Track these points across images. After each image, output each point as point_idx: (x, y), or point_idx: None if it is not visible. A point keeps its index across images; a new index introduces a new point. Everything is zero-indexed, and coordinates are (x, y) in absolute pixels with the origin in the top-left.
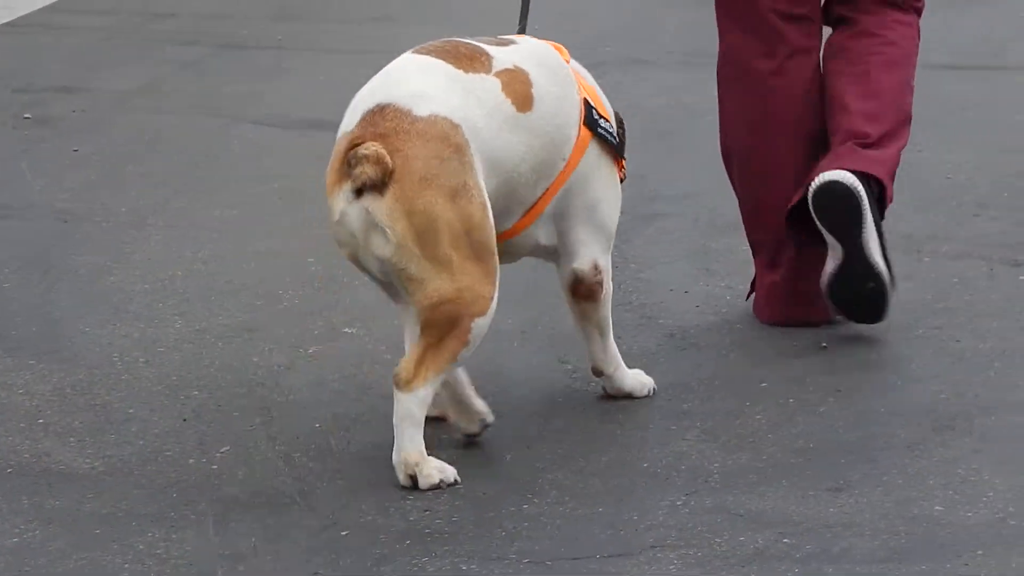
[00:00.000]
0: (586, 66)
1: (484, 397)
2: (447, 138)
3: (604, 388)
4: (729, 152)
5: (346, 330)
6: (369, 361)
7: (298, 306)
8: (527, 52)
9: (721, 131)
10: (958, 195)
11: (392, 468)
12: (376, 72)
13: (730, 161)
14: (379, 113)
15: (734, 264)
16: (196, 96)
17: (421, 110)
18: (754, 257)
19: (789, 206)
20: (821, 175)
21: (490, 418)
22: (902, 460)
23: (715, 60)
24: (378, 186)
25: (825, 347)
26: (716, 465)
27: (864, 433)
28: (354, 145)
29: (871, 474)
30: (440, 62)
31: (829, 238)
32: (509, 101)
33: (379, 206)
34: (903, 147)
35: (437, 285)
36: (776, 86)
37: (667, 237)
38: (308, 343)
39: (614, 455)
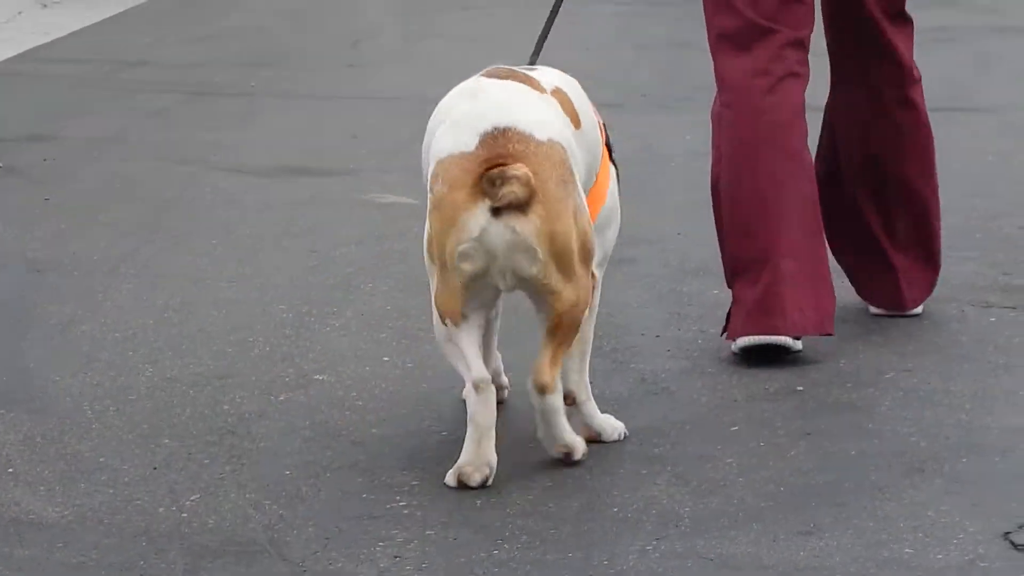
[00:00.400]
0: None
1: (450, 443)
2: (564, 162)
3: (576, 426)
4: (718, 177)
5: (316, 377)
6: (339, 407)
7: (268, 353)
8: (555, 76)
9: (713, 157)
10: None
11: (361, 511)
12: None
13: (717, 187)
14: (502, 135)
15: (705, 308)
16: (167, 144)
17: (541, 135)
18: (735, 280)
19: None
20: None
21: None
22: (872, 503)
23: (685, 103)
24: (522, 206)
25: (800, 390)
26: (687, 509)
27: (834, 476)
28: (493, 165)
29: (841, 517)
30: (524, 86)
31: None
32: (568, 120)
33: (528, 228)
34: None
35: (568, 294)
36: (769, 104)
37: (638, 282)
38: (279, 390)
39: (584, 500)
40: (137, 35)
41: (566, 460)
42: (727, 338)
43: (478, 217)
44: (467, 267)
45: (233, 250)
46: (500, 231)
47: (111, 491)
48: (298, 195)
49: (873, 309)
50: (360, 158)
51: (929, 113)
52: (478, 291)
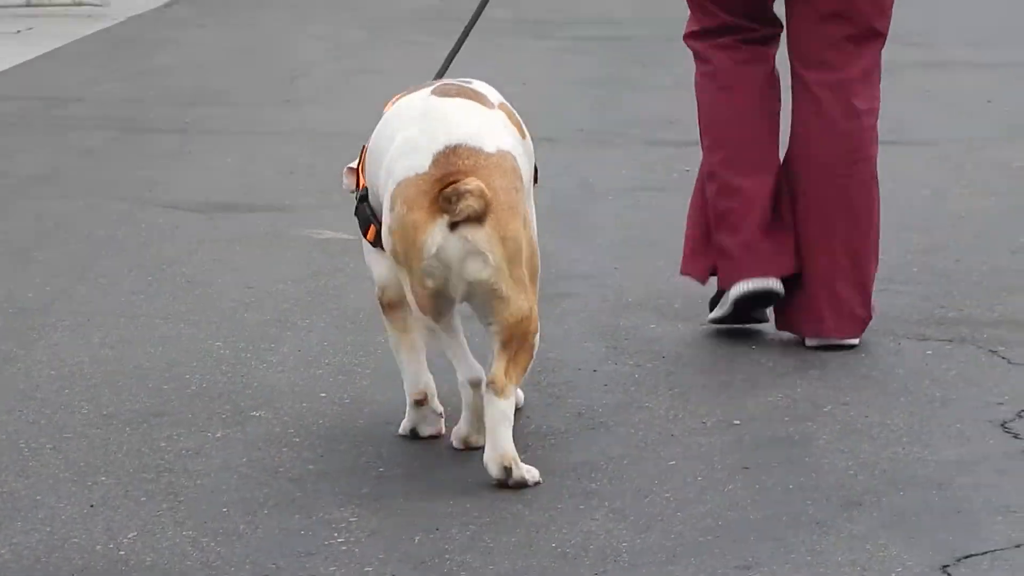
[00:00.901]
0: None
1: (388, 480)
2: (515, 170)
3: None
4: (704, 127)
5: (253, 413)
6: (277, 444)
7: (205, 390)
8: (490, 90)
9: (700, 123)
10: None
11: (299, 548)
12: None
13: (703, 139)
14: (453, 153)
15: (642, 343)
16: (101, 182)
17: (489, 147)
18: (717, 230)
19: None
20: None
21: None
22: (811, 537)
23: (621, 139)
24: (479, 217)
25: (737, 424)
26: (625, 544)
27: (772, 511)
28: (448, 184)
29: (779, 552)
30: (470, 102)
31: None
32: (515, 130)
33: (479, 235)
34: None
35: (519, 304)
36: (745, 74)
37: (574, 317)
38: (215, 427)
39: (522, 535)
40: (70, 72)
41: (502, 478)
42: (721, 285)
43: (435, 235)
44: (430, 283)
45: (168, 287)
46: (455, 243)
47: (48, 529)
48: (233, 231)
49: (809, 341)
50: (296, 194)
51: None
52: (444, 300)
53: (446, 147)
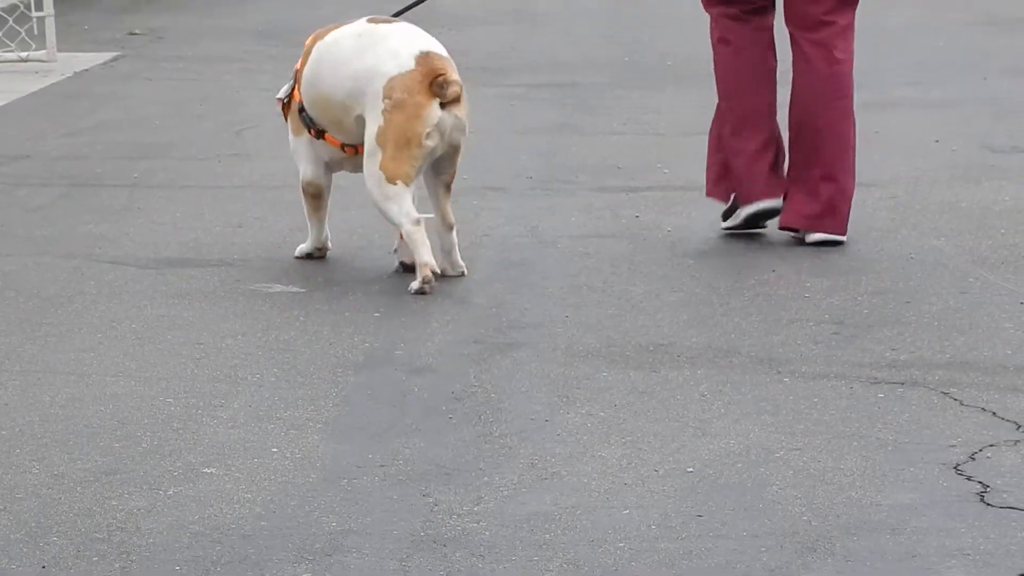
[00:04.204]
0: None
1: (340, 534)
2: (457, 69)
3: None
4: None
5: (205, 470)
6: (228, 501)
7: (157, 447)
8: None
9: (717, 82)
10: (815, 314)
11: None
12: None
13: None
14: (426, 56)
15: (593, 391)
16: (49, 238)
17: (444, 52)
18: (735, 159)
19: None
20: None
21: (464, 272)
22: None
23: (570, 186)
24: (458, 100)
25: (691, 471)
26: None
27: (727, 559)
28: (436, 75)
29: None
30: (409, 24)
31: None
32: None
33: (461, 112)
34: None
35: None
36: (749, 36)
37: (524, 367)
38: (167, 484)
39: None
40: (17, 129)
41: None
42: (740, 201)
43: (434, 111)
44: (430, 143)
45: (118, 344)
46: (447, 117)
47: None
48: (182, 287)
49: (810, 237)
50: (245, 248)
51: None
52: (426, 160)
53: (420, 52)
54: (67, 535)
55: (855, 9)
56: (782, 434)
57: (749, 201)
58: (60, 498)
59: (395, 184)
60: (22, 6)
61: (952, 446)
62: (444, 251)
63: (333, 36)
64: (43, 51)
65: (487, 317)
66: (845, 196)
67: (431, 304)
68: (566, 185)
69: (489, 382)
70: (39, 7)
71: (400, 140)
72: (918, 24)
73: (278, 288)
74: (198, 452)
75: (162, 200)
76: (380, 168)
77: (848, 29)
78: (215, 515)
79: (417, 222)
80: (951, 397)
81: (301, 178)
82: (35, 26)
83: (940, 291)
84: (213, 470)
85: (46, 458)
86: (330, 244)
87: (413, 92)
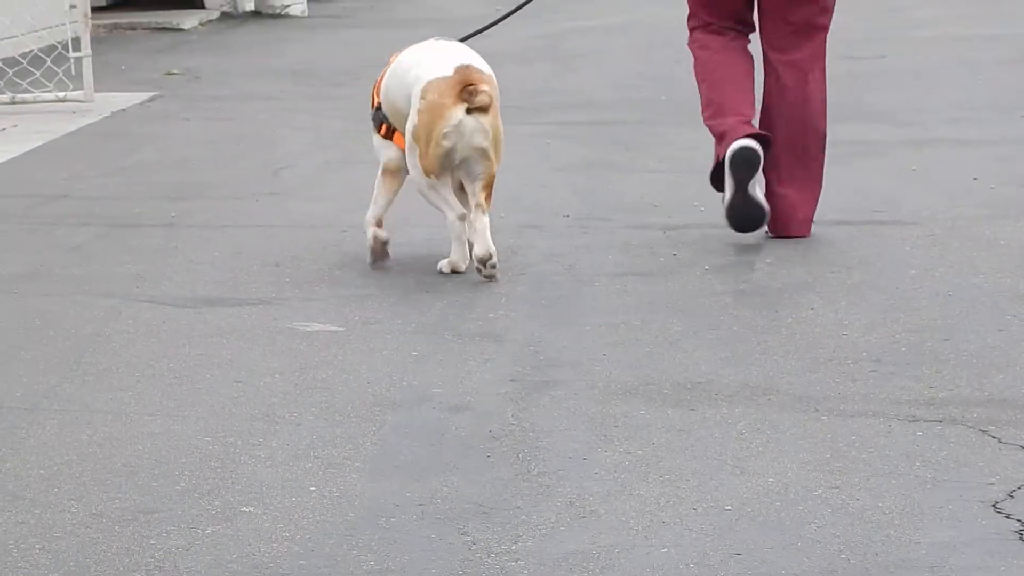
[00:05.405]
0: None
1: (378, 573)
2: (496, 86)
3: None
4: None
5: (244, 509)
6: (267, 540)
7: (195, 486)
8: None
9: (699, 83)
10: (853, 352)
11: None
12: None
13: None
14: (467, 68)
15: (631, 429)
16: (87, 278)
17: (486, 69)
18: (716, 131)
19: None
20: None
21: (495, 262)
22: None
23: (606, 224)
24: (485, 108)
25: (729, 509)
26: None
27: None
28: (468, 83)
29: None
30: (466, 45)
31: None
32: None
33: (484, 119)
34: None
35: (494, 164)
36: (727, 44)
37: (563, 405)
38: (205, 523)
39: None
40: (55, 169)
41: (486, 258)
42: (717, 159)
43: (457, 113)
44: (447, 143)
45: (156, 383)
46: (469, 121)
47: None
48: (220, 325)
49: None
50: (283, 287)
51: (851, 226)
52: (448, 159)
53: (461, 63)
54: (105, 574)
55: (825, 35)
56: (820, 472)
57: (728, 145)
58: (98, 537)
59: (428, 177)
60: (60, 47)
61: (991, 484)
62: (477, 232)
63: (405, 51)
64: (80, 91)
65: (524, 355)
66: (815, 200)
67: (468, 343)
68: (603, 223)
69: (527, 420)
70: (76, 48)
71: (424, 137)
72: (956, 62)
73: (316, 327)
74: (236, 491)
75: (200, 240)
76: (418, 161)
77: (818, 53)
78: (253, 554)
79: (461, 217)
80: (989, 435)
81: (383, 161)
82: (72, 66)
83: (978, 329)
84: (251, 509)
85: (84, 497)
86: (386, 234)
87: (443, 95)
